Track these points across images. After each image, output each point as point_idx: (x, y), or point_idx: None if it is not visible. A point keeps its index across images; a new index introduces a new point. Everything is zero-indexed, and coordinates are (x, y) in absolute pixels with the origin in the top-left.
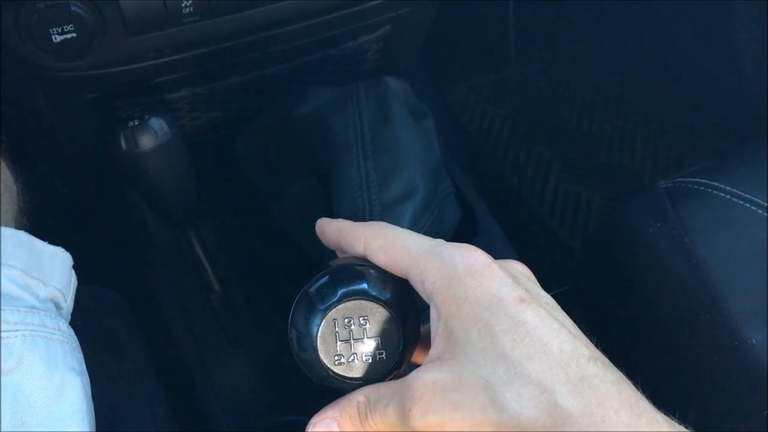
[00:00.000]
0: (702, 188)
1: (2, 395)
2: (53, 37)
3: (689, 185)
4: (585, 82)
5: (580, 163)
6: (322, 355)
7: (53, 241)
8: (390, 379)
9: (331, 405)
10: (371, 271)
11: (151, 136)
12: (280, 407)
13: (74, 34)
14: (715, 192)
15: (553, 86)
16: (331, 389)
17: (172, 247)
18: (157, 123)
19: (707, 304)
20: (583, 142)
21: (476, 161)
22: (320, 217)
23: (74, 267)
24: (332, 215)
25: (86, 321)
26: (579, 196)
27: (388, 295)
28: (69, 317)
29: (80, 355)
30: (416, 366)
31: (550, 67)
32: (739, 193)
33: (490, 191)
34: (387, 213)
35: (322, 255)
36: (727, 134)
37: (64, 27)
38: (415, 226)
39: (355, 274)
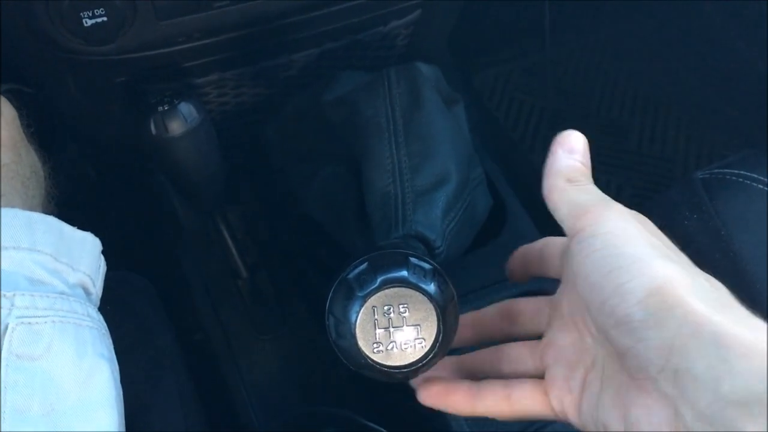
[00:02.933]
0: (740, 179)
1: (32, 381)
2: (84, 20)
3: (727, 176)
4: (615, 69)
5: (609, 151)
6: (360, 343)
7: (81, 226)
8: (430, 368)
9: None
10: (411, 258)
11: (181, 121)
12: (307, 395)
13: (105, 18)
14: (753, 184)
15: (582, 73)
16: (366, 377)
17: (199, 232)
18: (186, 108)
19: (745, 300)
20: (612, 130)
21: (504, 148)
22: (349, 203)
23: (102, 252)
24: (361, 202)
25: (115, 306)
26: (608, 184)
27: (429, 283)
28: (98, 303)
29: (109, 341)
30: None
31: (580, 53)
32: None
33: (518, 179)
34: (420, 201)
35: (351, 242)
36: (761, 124)
37: (95, 11)
38: (448, 214)
39: (395, 261)
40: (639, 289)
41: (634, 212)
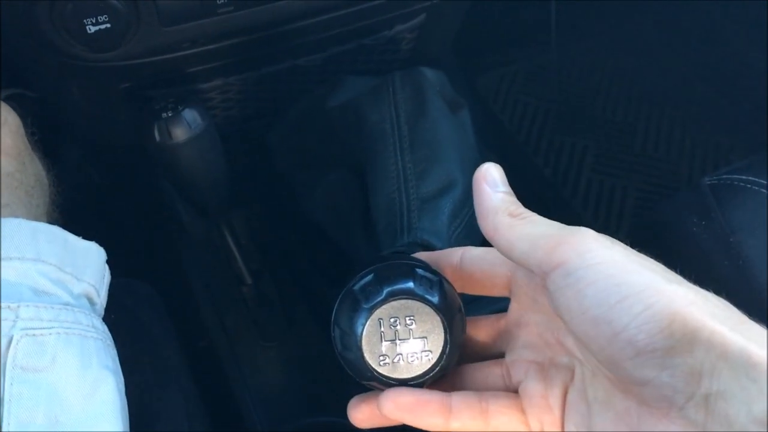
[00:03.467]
0: (748, 185)
1: (36, 394)
2: (87, 27)
3: (734, 182)
4: (620, 71)
5: (614, 154)
6: (366, 356)
7: (85, 233)
8: (436, 381)
9: None
10: (417, 269)
11: (185, 127)
12: (312, 401)
13: (108, 25)
14: (762, 190)
15: (587, 75)
16: (372, 388)
17: (204, 239)
18: (190, 114)
19: (754, 307)
20: (617, 133)
21: (509, 151)
22: (354, 210)
23: (107, 261)
24: (366, 208)
25: (118, 314)
26: (613, 188)
27: (435, 295)
28: (102, 313)
29: (114, 352)
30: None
31: (585, 56)
32: None
33: (523, 182)
34: (425, 208)
35: (355, 249)
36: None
37: (99, 17)
38: (454, 221)
39: (401, 273)
40: (659, 316)
41: (604, 236)
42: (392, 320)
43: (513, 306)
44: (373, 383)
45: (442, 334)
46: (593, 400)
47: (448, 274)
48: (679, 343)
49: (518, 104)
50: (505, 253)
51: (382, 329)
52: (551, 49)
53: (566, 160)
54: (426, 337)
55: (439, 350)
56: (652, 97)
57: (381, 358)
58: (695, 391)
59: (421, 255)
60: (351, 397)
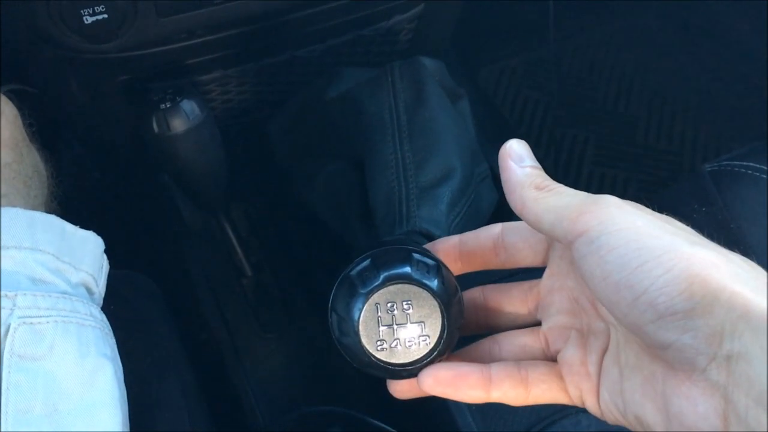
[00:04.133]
0: (748, 171)
1: (34, 382)
2: (84, 18)
3: (735, 168)
4: (621, 62)
5: (616, 145)
6: (364, 341)
7: (85, 226)
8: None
9: None
10: (414, 254)
11: (183, 118)
12: (313, 393)
13: (105, 15)
14: (762, 176)
15: (588, 66)
16: (371, 375)
17: (203, 231)
18: (188, 105)
19: None
20: (619, 124)
21: None
22: (353, 200)
23: (105, 251)
24: (365, 198)
25: (118, 305)
26: (615, 179)
27: (433, 279)
28: (101, 302)
29: (113, 341)
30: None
31: (586, 47)
32: None
33: None
34: (424, 197)
35: (355, 239)
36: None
37: (95, 8)
38: (453, 209)
39: (398, 257)
40: (679, 279)
41: (628, 201)
42: (389, 305)
43: (547, 272)
44: (371, 369)
45: (440, 319)
46: (625, 364)
47: (450, 256)
48: (699, 304)
49: (519, 97)
50: (534, 226)
51: (380, 314)
52: (551, 42)
53: (567, 152)
54: (423, 322)
55: (437, 335)
56: (653, 88)
57: (378, 343)
58: (716, 353)
59: (446, 244)
60: (351, 387)
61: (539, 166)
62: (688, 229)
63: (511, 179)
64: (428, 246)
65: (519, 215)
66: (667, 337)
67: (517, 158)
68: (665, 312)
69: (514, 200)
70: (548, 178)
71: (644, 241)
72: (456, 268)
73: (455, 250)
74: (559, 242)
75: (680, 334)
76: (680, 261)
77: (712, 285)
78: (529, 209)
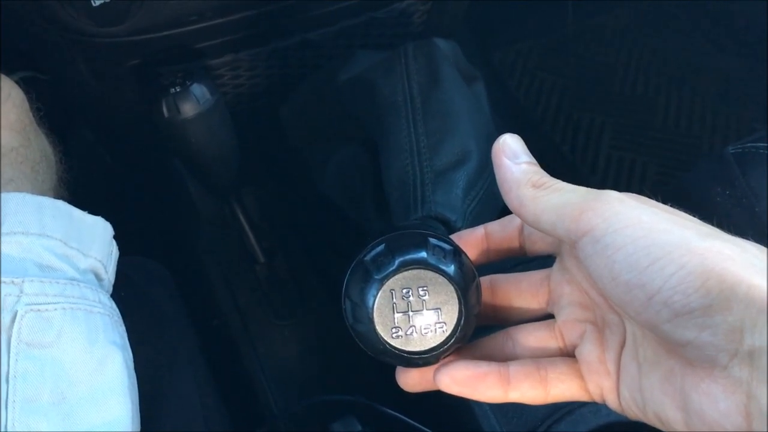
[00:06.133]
0: None
1: (42, 370)
2: (92, 0)
3: (760, 150)
4: (639, 45)
5: (633, 129)
6: (378, 328)
7: (95, 212)
8: (451, 353)
9: None
10: (430, 238)
11: (193, 103)
12: (326, 379)
13: None
14: None
15: (605, 49)
16: (385, 363)
17: (215, 217)
18: (199, 90)
19: None
20: (637, 107)
21: (525, 128)
22: (366, 185)
23: (116, 237)
24: (379, 183)
25: (129, 292)
26: (633, 163)
27: (450, 265)
28: (110, 289)
29: (122, 329)
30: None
31: (603, 29)
32: None
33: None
34: (439, 181)
35: (368, 224)
36: None
37: None
38: (469, 194)
39: (414, 242)
40: (693, 275)
41: (629, 194)
42: (405, 291)
43: (557, 265)
44: (385, 357)
45: (457, 306)
46: (643, 360)
47: (477, 247)
48: (716, 300)
49: (535, 80)
50: (533, 226)
51: (395, 300)
52: (568, 24)
53: (584, 136)
54: (440, 309)
55: (454, 322)
56: (672, 71)
57: (393, 330)
58: (738, 349)
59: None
60: (364, 375)
61: (535, 161)
62: (696, 219)
63: (506, 178)
64: (453, 237)
65: (517, 215)
66: (685, 335)
67: (511, 155)
68: (681, 310)
69: (511, 200)
70: (545, 174)
71: (653, 238)
72: (483, 259)
73: (483, 242)
74: (562, 241)
75: (699, 332)
76: (693, 256)
77: (728, 279)
78: (527, 209)
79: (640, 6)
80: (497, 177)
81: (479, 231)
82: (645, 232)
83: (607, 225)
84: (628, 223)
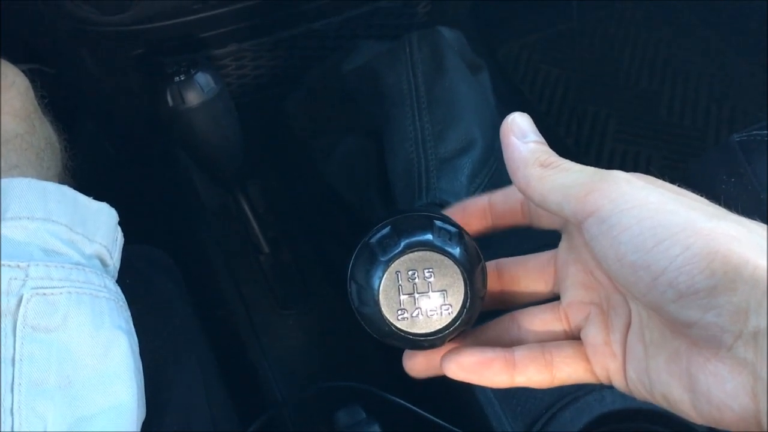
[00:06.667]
0: None
1: (48, 354)
2: None
3: (765, 138)
4: (643, 37)
5: (638, 121)
6: (384, 310)
7: (101, 199)
8: (457, 336)
9: None
10: (436, 221)
11: (198, 91)
12: (330, 369)
13: None
14: None
15: (609, 42)
16: (391, 346)
17: (219, 207)
18: (203, 78)
19: None
20: (641, 100)
21: None
22: (371, 174)
23: (121, 226)
24: (384, 172)
25: (134, 280)
26: (637, 156)
27: (455, 247)
28: (116, 275)
29: (127, 314)
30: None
31: (607, 22)
32: None
33: None
34: (444, 168)
35: (373, 213)
36: None
37: None
38: (473, 181)
39: (419, 224)
40: (698, 256)
41: (637, 174)
42: (410, 273)
43: (562, 245)
44: (391, 339)
45: (463, 288)
46: (649, 341)
47: (478, 212)
48: (721, 281)
49: (539, 73)
50: (540, 206)
51: (400, 282)
52: (572, 16)
53: (589, 129)
54: (446, 291)
55: (460, 304)
56: (676, 64)
57: (399, 312)
58: (742, 330)
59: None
60: (368, 364)
61: (543, 140)
62: (704, 200)
63: (514, 157)
64: (457, 205)
65: (524, 195)
66: (690, 315)
67: (519, 133)
68: (686, 291)
69: (518, 179)
70: (553, 153)
71: (659, 219)
72: (484, 224)
73: (484, 208)
74: (568, 221)
75: (703, 313)
76: (699, 238)
77: (734, 260)
78: (534, 188)
79: (644, 1)
80: (505, 156)
81: (483, 200)
82: (651, 213)
83: (614, 205)
84: (635, 203)
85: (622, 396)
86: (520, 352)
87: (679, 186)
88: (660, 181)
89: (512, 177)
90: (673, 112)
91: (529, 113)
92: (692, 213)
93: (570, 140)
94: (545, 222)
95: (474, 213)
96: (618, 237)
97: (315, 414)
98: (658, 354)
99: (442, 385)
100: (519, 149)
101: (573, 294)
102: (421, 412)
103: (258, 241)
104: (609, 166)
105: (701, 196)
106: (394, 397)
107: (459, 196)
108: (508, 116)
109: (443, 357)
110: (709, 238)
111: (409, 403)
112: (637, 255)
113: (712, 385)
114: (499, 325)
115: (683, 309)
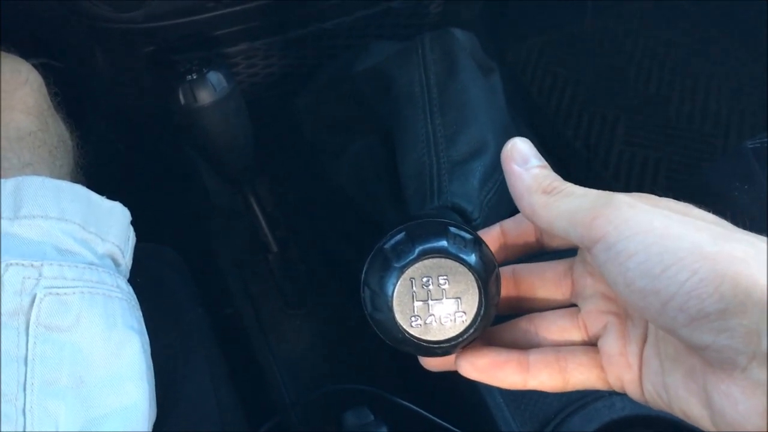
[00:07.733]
0: None
1: (60, 353)
2: None
3: None
4: (653, 41)
5: (647, 125)
6: (398, 316)
7: (111, 198)
8: (470, 343)
9: None
10: (451, 227)
11: (210, 90)
12: (337, 369)
13: None
14: None
15: (618, 44)
16: (404, 352)
17: (229, 206)
18: (215, 77)
19: None
20: (650, 103)
21: (539, 123)
22: (381, 176)
23: (132, 224)
24: (395, 174)
25: (145, 278)
26: (646, 160)
27: (470, 254)
28: (128, 274)
29: (139, 314)
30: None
31: (616, 25)
32: None
33: (553, 155)
34: (456, 171)
35: (382, 215)
36: None
37: None
38: (485, 184)
39: (434, 231)
40: (706, 281)
41: (640, 195)
42: (425, 280)
43: (579, 258)
44: (404, 346)
45: (477, 295)
46: (665, 356)
47: (494, 246)
48: (731, 305)
49: (548, 75)
50: (548, 232)
51: (414, 289)
52: (584, 19)
53: (597, 132)
54: (460, 298)
55: (474, 311)
56: (685, 67)
57: (413, 318)
58: (756, 351)
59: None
60: (376, 365)
61: (546, 164)
62: (710, 216)
63: (517, 185)
64: None
65: (530, 222)
66: (703, 339)
67: (521, 160)
68: (697, 315)
69: (524, 207)
70: (557, 177)
71: (665, 244)
72: (501, 256)
73: (499, 240)
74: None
75: (716, 336)
76: (705, 262)
77: (743, 283)
78: (540, 216)
79: (653, 3)
80: (508, 184)
81: (495, 229)
82: (656, 239)
83: (618, 232)
84: (639, 229)
85: (632, 402)
86: (534, 356)
87: (689, 190)
88: (663, 201)
89: (518, 205)
90: (681, 117)
91: (537, 116)
92: (698, 236)
93: (579, 143)
94: (557, 242)
95: (487, 241)
96: (625, 263)
97: (322, 415)
98: (675, 370)
99: (450, 387)
100: (521, 177)
101: (592, 303)
102: (429, 415)
103: (267, 240)
104: (617, 169)
105: (715, 202)
106: (401, 400)
107: (471, 199)
108: (508, 142)
109: (458, 356)
110: (716, 261)
111: (417, 405)
112: (645, 281)
113: (726, 405)
114: (516, 327)
115: (695, 332)
